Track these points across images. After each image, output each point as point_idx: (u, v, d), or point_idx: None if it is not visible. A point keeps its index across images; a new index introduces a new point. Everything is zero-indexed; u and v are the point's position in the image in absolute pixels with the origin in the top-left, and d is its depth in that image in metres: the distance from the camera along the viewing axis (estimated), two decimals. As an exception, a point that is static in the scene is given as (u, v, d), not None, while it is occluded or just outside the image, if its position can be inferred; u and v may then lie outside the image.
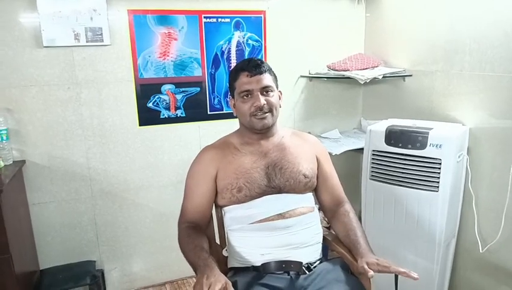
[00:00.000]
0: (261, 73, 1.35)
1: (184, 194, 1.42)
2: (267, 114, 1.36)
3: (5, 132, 1.85)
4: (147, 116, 2.16)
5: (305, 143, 1.48)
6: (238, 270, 1.35)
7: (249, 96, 1.35)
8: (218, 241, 1.51)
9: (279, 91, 1.43)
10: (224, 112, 2.28)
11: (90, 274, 2.03)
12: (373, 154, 1.93)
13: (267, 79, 1.36)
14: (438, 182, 1.74)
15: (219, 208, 1.45)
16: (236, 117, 1.44)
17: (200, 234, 1.34)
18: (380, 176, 1.91)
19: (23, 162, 1.96)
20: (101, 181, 2.15)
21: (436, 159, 1.74)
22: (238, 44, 2.27)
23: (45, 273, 2.05)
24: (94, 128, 2.09)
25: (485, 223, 1.79)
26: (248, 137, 1.43)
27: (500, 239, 1.70)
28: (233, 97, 1.43)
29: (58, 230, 2.11)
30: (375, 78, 2.13)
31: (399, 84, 2.25)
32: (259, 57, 2.32)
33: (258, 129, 1.38)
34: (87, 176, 2.12)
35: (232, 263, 1.39)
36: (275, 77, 1.42)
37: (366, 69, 2.27)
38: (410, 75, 2.17)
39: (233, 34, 2.24)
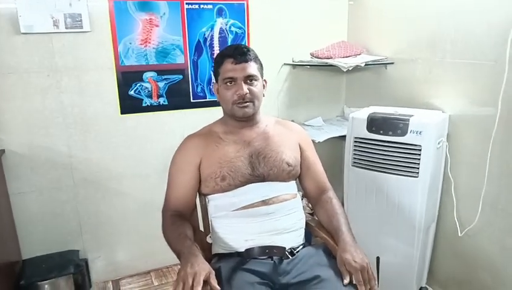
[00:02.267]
0: (246, 61, 1.35)
1: (168, 183, 1.42)
2: (248, 103, 1.36)
3: (-17, 120, 1.81)
4: (129, 104, 2.14)
5: (289, 131, 1.49)
6: (222, 257, 1.36)
7: (232, 83, 1.35)
8: (202, 228, 1.52)
9: (264, 80, 1.43)
10: (208, 99, 2.27)
11: (73, 263, 2.02)
12: (355, 141, 1.96)
13: (252, 67, 1.36)
14: (418, 168, 1.77)
15: (203, 196, 1.45)
16: (219, 105, 1.44)
17: (184, 222, 1.35)
18: (362, 162, 1.94)
19: (3, 151, 1.92)
20: (83, 170, 2.13)
21: (416, 145, 1.77)
22: (221, 31, 2.25)
23: (27, 263, 2.03)
24: (75, 117, 2.06)
25: (464, 208, 1.84)
26: (231, 126, 1.43)
27: (478, 223, 1.75)
28: (217, 82, 1.42)
29: (40, 220, 2.09)
30: (358, 65, 2.14)
31: (381, 72, 2.27)
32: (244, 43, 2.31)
33: (238, 117, 1.38)
34: (68, 165, 2.09)
35: (216, 250, 1.40)
36: (261, 66, 1.41)
37: (349, 56, 2.28)
38: (392, 63, 2.19)
39: (215, 21, 2.22)
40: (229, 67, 1.35)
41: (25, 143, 1.98)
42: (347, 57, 2.27)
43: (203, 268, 1.14)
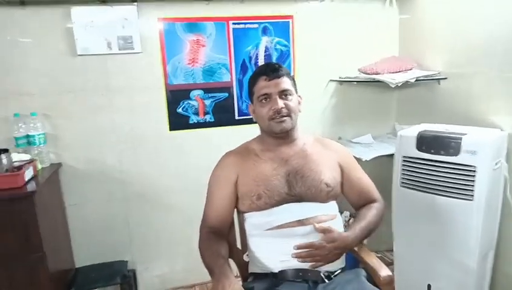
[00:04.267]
0: (279, 77, 1.35)
1: (206, 199, 1.44)
2: (285, 118, 1.35)
3: (43, 136, 1.96)
4: (177, 121, 2.21)
5: (329, 150, 1.46)
6: (257, 276, 1.35)
7: (268, 100, 1.35)
8: (239, 246, 1.51)
9: (299, 96, 1.41)
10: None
11: (121, 274, 2.09)
12: (404, 160, 1.86)
13: (285, 83, 1.35)
14: (473, 191, 1.64)
15: (240, 213, 1.45)
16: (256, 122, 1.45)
17: (220, 240, 1.35)
18: (411, 183, 1.83)
19: (60, 165, 2.06)
20: (133, 184, 2.22)
21: (471, 166, 1.64)
22: (266, 49, 2.27)
23: (79, 271, 2.14)
24: (127, 134, 2.16)
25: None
26: (268, 143, 1.42)
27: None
28: (252, 103, 1.43)
29: (93, 230, 2.20)
30: (407, 81, 2.05)
31: (434, 88, 2.16)
32: (288, 62, 2.31)
33: (276, 133, 1.37)
34: (120, 179, 2.20)
35: (253, 269, 1.39)
36: (294, 81, 1.40)
37: (398, 72, 2.19)
38: (445, 78, 2.07)
39: (261, 39, 2.25)
40: (262, 84, 1.36)
41: (80, 157, 2.12)
42: (396, 72, 2.19)
43: (234, 288, 1.13)
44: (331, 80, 2.41)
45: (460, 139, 1.66)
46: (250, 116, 1.46)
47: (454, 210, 1.70)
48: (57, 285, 1.85)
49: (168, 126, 2.21)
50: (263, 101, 1.36)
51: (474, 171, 1.63)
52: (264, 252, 1.34)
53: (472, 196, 1.65)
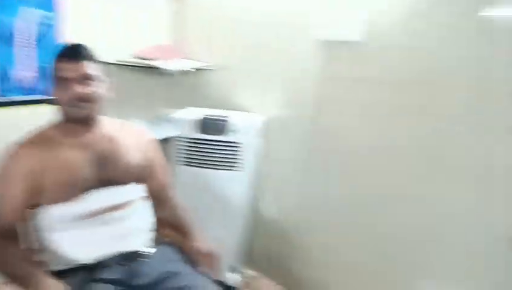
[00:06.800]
0: (82, 60, 1.29)
1: None
2: (86, 104, 1.30)
3: None
4: None
5: (132, 133, 1.50)
6: (63, 273, 1.26)
7: (68, 84, 1.27)
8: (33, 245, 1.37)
9: (105, 80, 1.39)
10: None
11: None
12: (184, 141, 2.07)
13: (88, 67, 1.31)
14: (240, 163, 2.03)
15: (36, 207, 1.31)
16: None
17: (12, 242, 1.23)
18: (192, 161, 2.07)
19: None
20: None
21: (238, 143, 2.02)
22: (26, 22, 1.99)
23: None
24: None
25: (279, 195, 2.19)
26: (70, 129, 1.34)
27: (291, 209, 2.13)
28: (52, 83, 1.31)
29: None
30: (182, 70, 2.25)
31: (202, 77, 2.44)
32: (53, 39, 2.10)
33: (76, 119, 1.32)
34: None
35: (55, 267, 1.29)
36: (99, 66, 1.36)
37: (171, 60, 2.36)
38: (213, 69, 2.39)
39: (19, 10, 1.95)
40: (62, 67, 1.28)
41: None
42: (169, 60, 2.35)
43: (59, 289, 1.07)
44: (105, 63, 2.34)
45: (228, 121, 2.01)
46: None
47: (227, 180, 2.05)
48: None
49: None
50: (63, 84, 1.27)
51: (240, 147, 2.02)
52: (72, 246, 1.27)
53: (240, 167, 2.04)
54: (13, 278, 1.13)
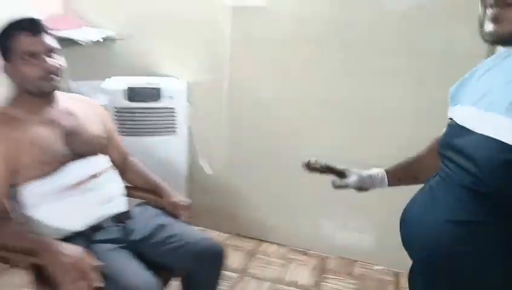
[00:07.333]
0: (44, 33, 1.28)
1: None
2: (56, 77, 1.31)
3: None
4: None
5: (89, 105, 1.52)
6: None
7: (34, 58, 1.26)
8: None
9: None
10: None
11: None
12: (116, 111, 2.09)
13: (52, 40, 1.30)
14: (175, 126, 2.16)
15: (14, 187, 1.28)
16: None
17: (7, 220, 1.23)
18: (126, 130, 2.11)
19: None
20: None
21: (170, 108, 2.13)
22: None
23: None
24: None
25: (210, 152, 2.38)
26: (31, 105, 1.32)
27: (224, 162, 2.35)
28: (6, 61, 1.26)
29: None
30: (98, 40, 2.20)
31: (110, 47, 2.40)
32: None
33: (45, 92, 1.31)
34: None
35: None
36: (54, 38, 1.35)
37: (78, 30, 2.27)
38: (122, 39, 2.37)
39: None
40: (27, 41, 1.25)
41: None
42: (67, 29, 2.24)
43: (76, 250, 1.13)
44: None
45: (160, 88, 2.10)
46: None
47: (164, 144, 2.16)
48: None
49: None
50: (28, 59, 1.25)
51: (174, 111, 2.14)
52: (62, 217, 1.31)
53: (175, 130, 2.17)
54: (18, 250, 1.15)
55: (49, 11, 2.34)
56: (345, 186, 1.12)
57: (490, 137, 0.70)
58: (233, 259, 2.17)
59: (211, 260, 1.42)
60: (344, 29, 1.97)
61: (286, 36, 2.07)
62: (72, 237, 1.29)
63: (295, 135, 2.18)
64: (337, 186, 1.12)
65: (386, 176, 1.12)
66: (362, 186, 1.12)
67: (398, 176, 1.12)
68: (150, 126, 2.12)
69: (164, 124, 2.14)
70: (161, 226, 1.43)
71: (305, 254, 2.28)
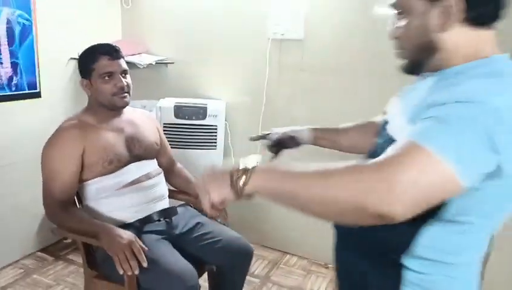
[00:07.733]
0: (120, 58, 1.58)
1: (47, 177, 1.50)
2: (127, 94, 1.60)
3: None
4: None
5: (147, 118, 1.80)
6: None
7: (111, 77, 1.55)
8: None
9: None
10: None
11: None
12: (165, 126, 2.38)
13: (124, 64, 1.60)
14: (216, 142, 2.42)
15: (82, 182, 1.57)
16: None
17: (76, 208, 1.52)
18: (174, 143, 2.38)
19: None
20: None
21: (214, 126, 2.41)
22: (8, 22, 2.11)
23: None
24: None
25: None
26: (103, 116, 1.61)
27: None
28: (87, 78, 1.57)
29: None
30: (150, 63, 2.53)
31: (162, 70, 2.74)
32: (31, 38, 2.24)
33: (119, 107, 1.60)
34: None
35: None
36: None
37: (137, 55, 2.62)
38: (172, 63, 2.70)
39: (1, 10, 2.07)
40: (106, 63, 1.55)
41: None
42: (135, 55, 2.60)
43: (130, 235, 1.38)
44: (71, 58, 2.50)
45: (207, 108, 2.38)
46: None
47: (205, 158, 2.42)
48: None
49: None
50: (106, 78, 1.54)
51: (216, 129, 2.41)
52: (116, 210, 1.57)
53: (216, 146, 2.43)
54: (83, 234, 1.42)
55: (111, 38, 2.70)
56: (261, 139, 1.33)
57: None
58: (257, 267, 2.36)
59: (242, 258, 1.63)
60: (371, 59, 2.16)
61: (317, 64, 2.31)
62: (125, 227, 1.55)
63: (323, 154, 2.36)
64: (253, 139, 1.37)
65: (311, 132, 1.25)
66: (283, 138, 1.27)
67: (323, 135, 1.25)
68: (194, 141, 2.39)
69: (206, 140, 2.40)
70: (200, 224, 1.67)
71: (326, 267, 2.43)
